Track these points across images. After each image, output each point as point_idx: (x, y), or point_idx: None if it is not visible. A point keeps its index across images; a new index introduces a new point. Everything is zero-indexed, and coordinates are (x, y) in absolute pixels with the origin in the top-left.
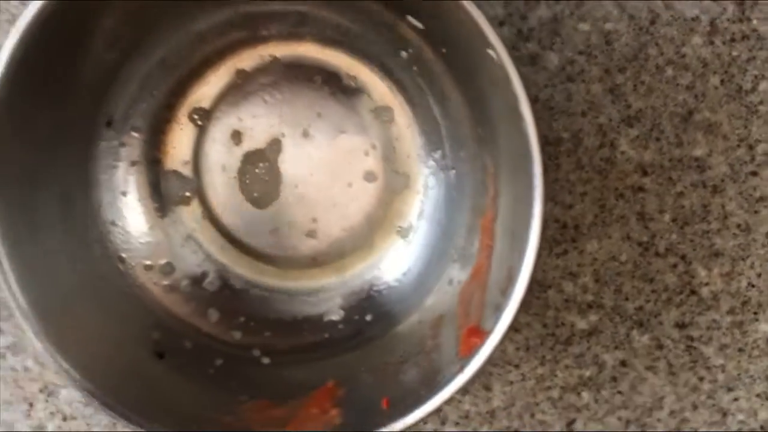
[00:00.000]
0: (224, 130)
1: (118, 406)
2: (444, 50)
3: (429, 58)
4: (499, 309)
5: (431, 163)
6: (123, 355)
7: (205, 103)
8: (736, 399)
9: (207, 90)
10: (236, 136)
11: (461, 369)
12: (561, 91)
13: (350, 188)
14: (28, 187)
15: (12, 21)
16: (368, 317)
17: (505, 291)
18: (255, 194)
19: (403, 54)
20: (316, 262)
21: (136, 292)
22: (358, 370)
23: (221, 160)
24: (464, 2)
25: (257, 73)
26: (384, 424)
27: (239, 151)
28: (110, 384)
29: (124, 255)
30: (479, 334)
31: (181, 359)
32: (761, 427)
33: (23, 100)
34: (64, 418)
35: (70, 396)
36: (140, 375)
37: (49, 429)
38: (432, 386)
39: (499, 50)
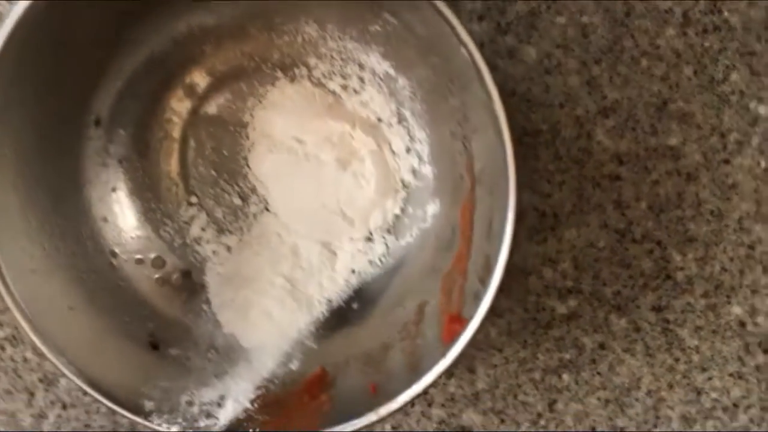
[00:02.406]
0: (211, 122)
1: (113, 395)
2: (421, 47)
3: (406, 54)
4: (478, 297)
5: (412, 157)
6: (118, 347)
7: (191, 99)
8: (710, 378)
9: (193, 85)
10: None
11: (443, 354)
12: (539, 84)
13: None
14: (21, 184)
15: None
16: (354, 305)
17: (484, 280)
18: (243, 188)
19: (383, 48)
20: None
21: (129, 286)
22: (345, 357)
23: (209, 155)
24: (436, 2)
25: (240, 71)
26: (371, 409)
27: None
28: (105, 374)
29: (116, 250)
30: (460, 321)
31: (174, 349)
32: (734, 404)
33: (11, 97)
34: (64, 407)
35: (69, 385)
36: (135, 365)
37: (50, 418)
38: (416, 371)
39: (471, 50)
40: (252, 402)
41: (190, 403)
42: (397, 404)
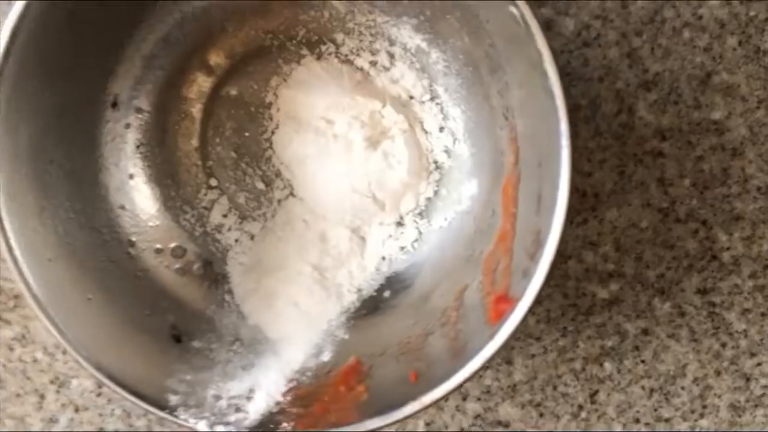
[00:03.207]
0: (231, 102)
1: (136, 390)
2: (458, 10)
3: (441, 24)
4: (527, 274)
5: (446, 136)
6: (139, 340)
7: (211, 79)
8: (759, 364)
9: (213, 65)
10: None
11: (492, 336)
12: (577, 57)
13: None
14: (34, 166)
15: None
16: (386, 293)
17: (534, 255)
18: (266, 171)
19: (416, 20)
20: None
21: (148, 276)
22: (380, 346)
23: (229, 136)
24: None
25: (263, 49)
26: (413, 398)
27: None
28: (127, 369)
29: (134, 239)
30: (508, 301)
31: (197, 342)
32: None
33: (28, 76)
34: (77, 410)
35: (81, 386)
36: (157, 359)
37: (62, 421)
38: (461, 357)
39: (521, 6)
40: (284, 395)
41: (217, 397)
42: (442, 391)
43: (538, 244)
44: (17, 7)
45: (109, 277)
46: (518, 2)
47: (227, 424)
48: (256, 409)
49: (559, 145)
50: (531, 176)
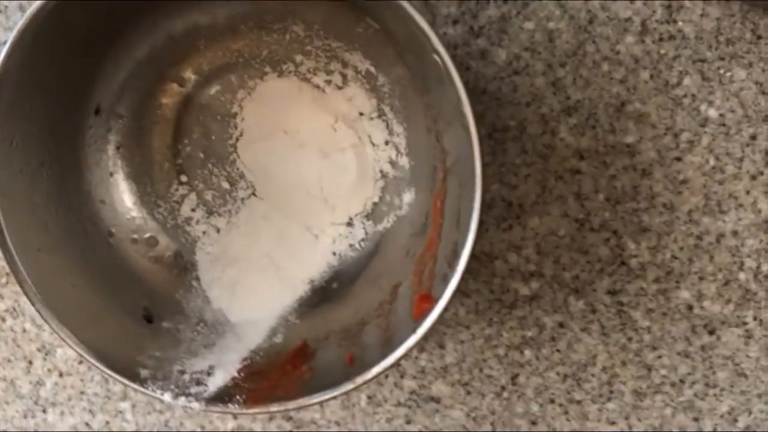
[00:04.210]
0: (201, 110)
1: (112, 364)
2: (398, 49)
3: (385, 55)
4: (446, 279)
5: (390, 149)
6: (116, 320)
7: (184, 89)
8: (659, 357)
9: (187, 78)
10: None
11: (414, 330)
12: (508, 84)
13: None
14: (27, 169)
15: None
16: (334, 285)
17: (451, 264)
18: (231, 173)
19: (362, 49)
20: None
21: (125, 264)
22: (325, 332)
23: (197, 139)
24: (411, 10)
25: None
26: (349, 378)
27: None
28: (104, 345)
29: (113, 230)
30: (429, 300)
31: (166, 323)
32: (680, 380)
33: (23, 93)
34: (61, 375)
35: (65, 355)
36: (131, 337)
37: (47, 384)
38: (390, 345)
39: (443, 55)
40: (239, 372)
41: (181, 372)
42: (371, 374)
43: (455, 254)
44: (12, 37)
45: (91, 264)
46: (440, 51)
47: (189, 395)
48: (214, 383)
49: (474, 175)
50: (454, 194)
